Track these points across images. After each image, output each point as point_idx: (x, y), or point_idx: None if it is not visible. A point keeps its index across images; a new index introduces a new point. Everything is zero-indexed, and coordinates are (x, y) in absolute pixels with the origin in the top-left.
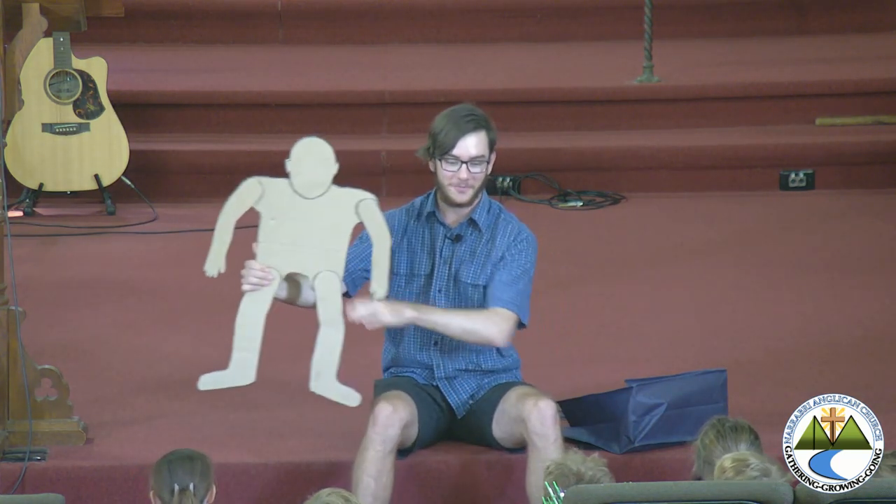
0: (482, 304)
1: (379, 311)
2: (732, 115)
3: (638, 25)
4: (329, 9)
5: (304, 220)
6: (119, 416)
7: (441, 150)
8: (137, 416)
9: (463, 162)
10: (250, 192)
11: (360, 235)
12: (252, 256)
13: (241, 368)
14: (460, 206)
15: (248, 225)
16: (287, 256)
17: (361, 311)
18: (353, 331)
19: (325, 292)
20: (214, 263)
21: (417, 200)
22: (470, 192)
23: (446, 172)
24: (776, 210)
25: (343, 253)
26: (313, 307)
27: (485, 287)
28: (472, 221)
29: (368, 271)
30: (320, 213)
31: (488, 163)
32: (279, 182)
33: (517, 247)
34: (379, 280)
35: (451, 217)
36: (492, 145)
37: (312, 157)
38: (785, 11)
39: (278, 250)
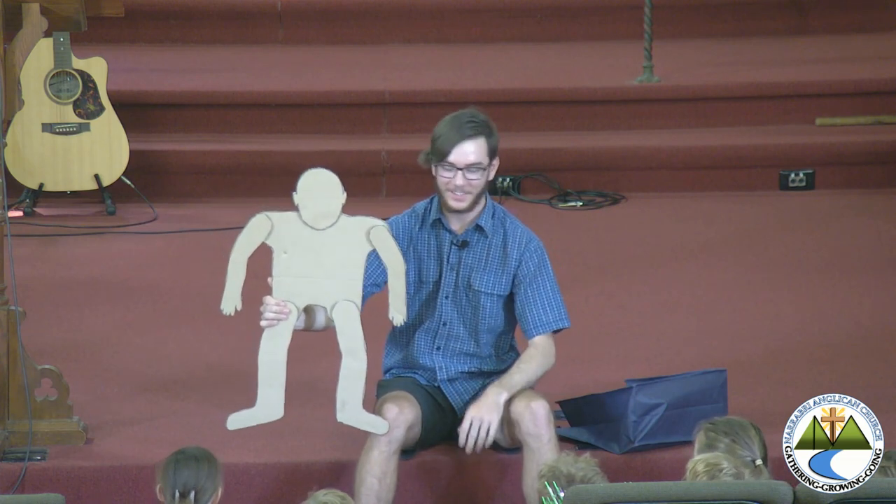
0: (493, 310)
1: (483, 416)
2: (732, 115)
3: (638, 25)
4: (329, 9)
5: (317, 251)
6: (119, 416)
7: (438, 156)
8: (137, 416)
9: (459, 168)
10: (260, 228)
11: (369, 257)
12: (268, 291)
13: (269, 405)
14: (459, 212)
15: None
16: (303, 289)
17: (467, 425)
18: None
19: (345, 323)
20: (230, 301)
21: (420, 205)
22: (468, 199)
23: (443, 178)
24: (776, 210)
25: (359, 282)
26: (325, 331)
27: (499, 296)
28: (478, 227)
29: (377, 286)
30: (332, 243)
31: (485, 170)
32: (288, 215)
33: (534, 259)
34: (397, 306)
35: (457, 223)
36: (492, 152)
37: (319, 188)
38: (785, 11)
39: (293, 283)
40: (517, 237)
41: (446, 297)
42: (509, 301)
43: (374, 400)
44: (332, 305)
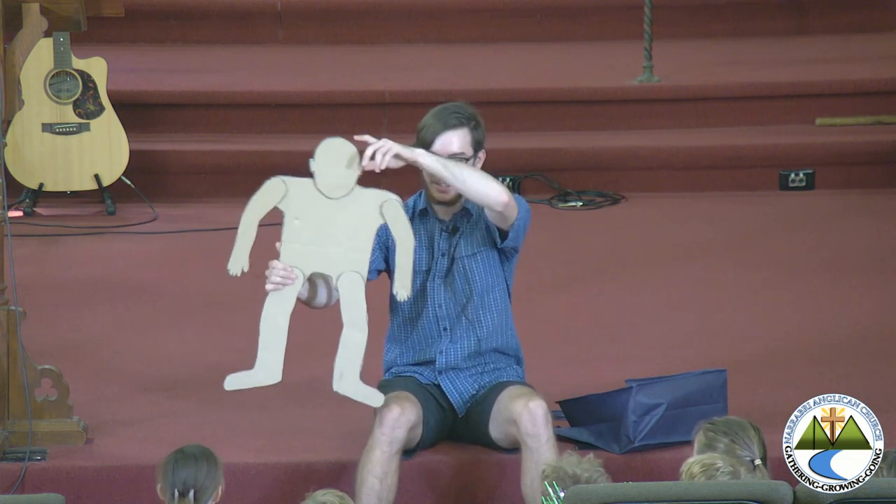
0: (483, 266)
1: (386, 141)
2: (732, 115)
3: (638, 25)
4: (329, 9)
5: (328, 220)
6: (119, 416)
7: (421, 146)
8: (137, 416)
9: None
10: (274, 191)
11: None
12: (276, 255)
13: (267, 368)
14: (444, 203)
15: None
16: (310, 256)
17: (373, 145)
18: None
19: (349, 293)
20: (238, 262)
21: (410, 200)
22: (452, 192)
23: (425, 171)
24: (776, 210)
25: (367, 254)
26: (325, 308)
27: (486, 252)
28: (464, 210)
29: (377, 271)
30: (344, 213)
31: (468, 161)
32: (303, 182)
33: None
34: (402, 281)
35: (444, 212)
36: (477, 144)
37: (336, 157)
38: (785, 11)
39: (302, 250)
40: None
41: (437, 280)
42: (498, 263)
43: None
44: (339, 275)
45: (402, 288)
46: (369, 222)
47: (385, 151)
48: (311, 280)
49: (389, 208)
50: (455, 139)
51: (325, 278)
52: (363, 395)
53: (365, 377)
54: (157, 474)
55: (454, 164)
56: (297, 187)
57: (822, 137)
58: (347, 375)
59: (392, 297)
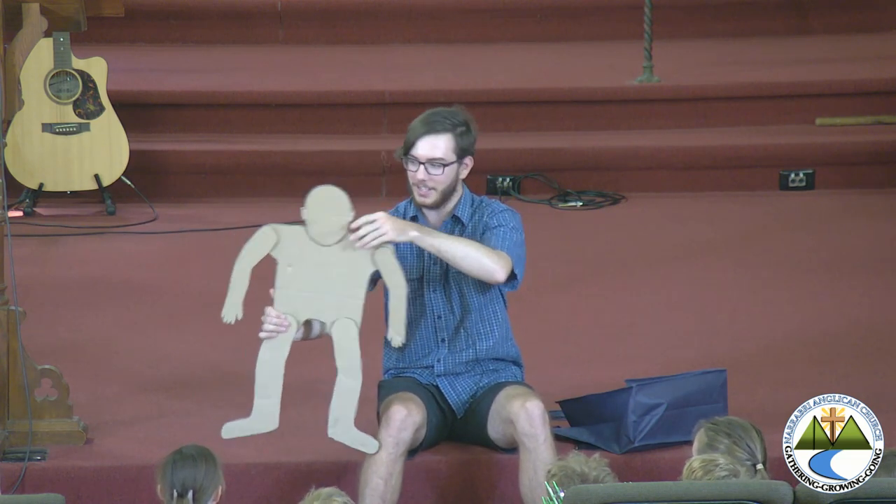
0: (476, 287)
1: (383, 222)
2: (732, 115)
3: (638, 25)
4: (329, 9)
5: (321, 267)
6: (119, 416)
7: (404, 148)
8: (137, 416)
9: (421, 162)
10: (265, 240)
11: None
12: (269, 301)
13: (264, 415)
14: (426, 207)
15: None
16: (304, 304)
17: (363, 220)
18: None
19: (342, 341)
20: (231, 310)
21: (401, 205)
22: (433, 195)
23: (409, 172)
24: (776, 210)
25: (360, 300)
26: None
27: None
28: (455, 218)
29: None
30: (337, 260)
31: (447, 166)
32: (295, 229)
33: (497, 217)
34: (396, 328)
35: (434, 217)
36: (461, 151)
37: (327, 205)
38: (785, 11)
39: (295, 297)
40: (486, 210)
41: (434, 291)
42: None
43: (374, 400)
44: (332, 322)
45: (397, 334)
46: (362, 269)
47: (377, 236)
48: (306, 323)
49: (382, 255)
50: (435, 143)
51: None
52: (359, 443)
53: (365, 377)
54: (157, 475)
55: (451, 240)
56: (289, 235)
57: (822, 137)
58: (342, 422)
59: (388, 304)
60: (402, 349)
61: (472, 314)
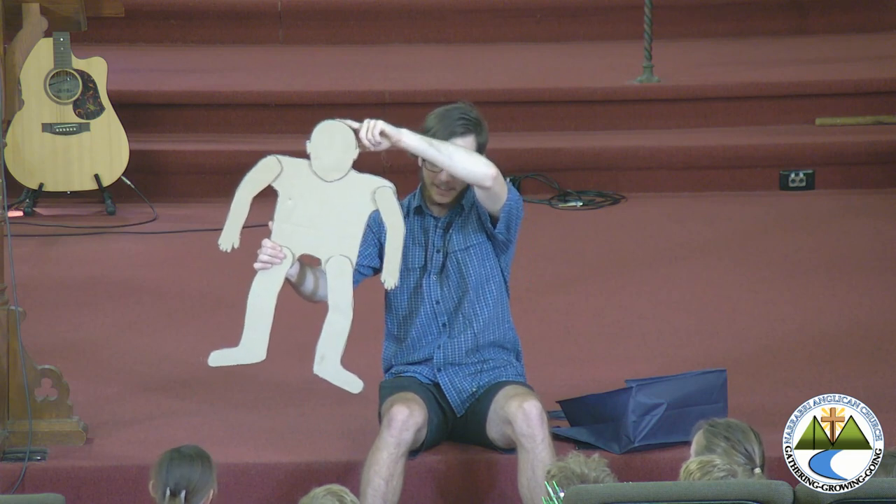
0: (477, 259)
1: (377, 120)
2: (732, 115)
3: (638, 25)
4: (329, 9)
5: (321, 203)
6: (119, 416)
7: None
8: (137, 416)
9: None
10: (269, 170)
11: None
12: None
13: (252, 346)
14: (443, 206)
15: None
16: (301, 238)
17: (363, 125)
18: (353, 329)
19: (336, 277)
20: (228, 238)
21: (405, 199)
22: (452, 194)
23: (429, 173)
24: (776, 210)
25: (357, 239)
26: (311, 299)
27: (478, 244)
28: (458, 206)
29: (371, 268)
30: (337, 197)
31: None
32: (298, 162)
33: None
34: (390, 269)
35: (439, 209)
36: (480, 149)
37: (333, 140)
38: (785, 11)
39: (293, 231)
40: None
41: (434, 278)
42: (493, 255)
43: (376, 401)
44: (327, 259)
45: (390, 276)
46: (361, 208)
47: (371, 127)
48: (303, 266)
49: (382, 195)
50: (463, 145)
51: (315, 272)
52: (343, 381)
53: (365, 376)
54: (151, 472)
55: (439, 141)
56: (292, 167)
57: (822, 137)
58: (329, 359)
59: (388, 296)
60: (401, 340)
61: (469, 293)
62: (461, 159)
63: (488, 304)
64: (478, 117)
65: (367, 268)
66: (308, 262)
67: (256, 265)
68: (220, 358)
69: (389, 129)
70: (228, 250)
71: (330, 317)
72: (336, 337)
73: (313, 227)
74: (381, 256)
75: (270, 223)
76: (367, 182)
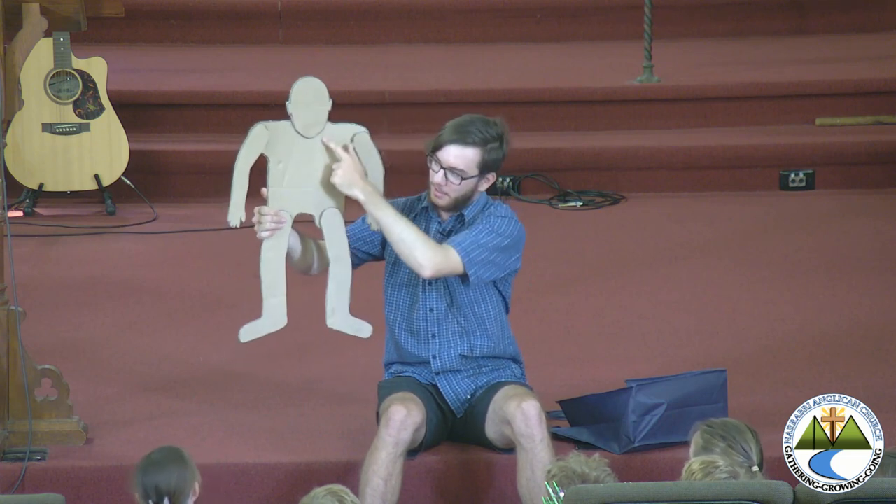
0: (471, 287)
1: (344, 168)
2: (732, 115)
3: (638, 25)
4: (329, 9)
5: (306, 161)
6: (119, 416)
7: (431, 146)
8: (137, 416)
9: (442, 167)
10: (259, 138)
11: (362, 216)
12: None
13: (274, 314)
14: (439, 207)
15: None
16: (294, 199)
17: (339, 153)
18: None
19: (331, 229)
20: (236, 213)
21: (423, 194)
22: (446, 199)
23: (430, 170)
24: (776, 210)
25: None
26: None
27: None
28: (461, 215)
29: (367, 253)
30: (320, 151)
31: (466, 179)
32: (283, 125)
33: (485, 218)
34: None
35: (445, 213)
36: (485, 165)
37: (309, 96)
38: (785, 11)
39: (286, 194)
40: (488, 210)
41: (429, 284)
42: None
43: (375, 401)
44: (320, 214)
45: (373, 221)
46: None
47: (343, 174)
48: (301, 239)
49: (360, 140)
50: (460, 154)
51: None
52: (354, 328)
53: (365, 376)
54: (129, 486)
55: (393, 219)
56: (278, 130)
57: (822, 137)
58: (339, 311)
59: (386, 297)
60: (398, 342)
61: (463, 308)
62: (403, 248)
63: (486, 326)
64: (499, 135)
65: (365, 253)
66: (302, 231)
67: (263, 234)
68: (249, 332)
69: (341, 183)
70: (237, 225)
71: (332, 269)
72: (341, 287)
73: (303, 186)
74: (382, 244)
75: (264, 190)
76: (343, 130)
